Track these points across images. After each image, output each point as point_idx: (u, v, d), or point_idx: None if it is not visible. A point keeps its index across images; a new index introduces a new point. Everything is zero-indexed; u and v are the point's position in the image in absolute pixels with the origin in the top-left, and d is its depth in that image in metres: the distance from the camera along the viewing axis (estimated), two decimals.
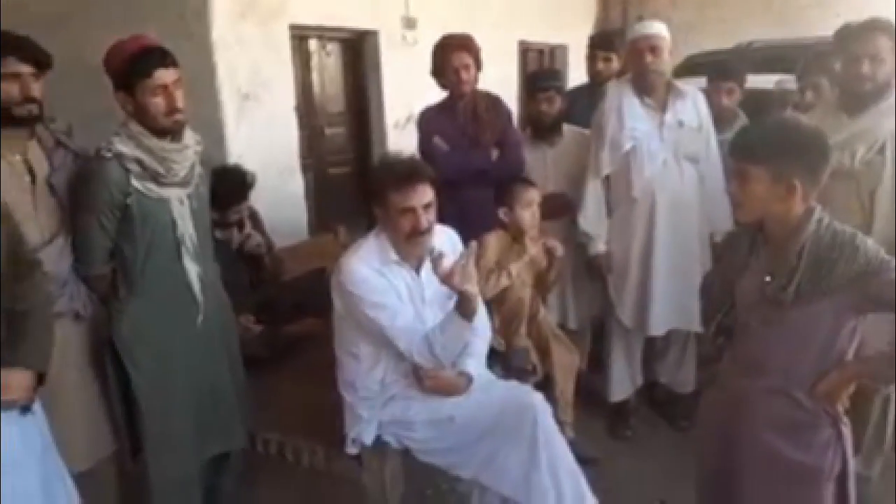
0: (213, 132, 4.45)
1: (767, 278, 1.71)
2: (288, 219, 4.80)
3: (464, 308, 2.12)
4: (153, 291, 2.19)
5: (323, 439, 2.55)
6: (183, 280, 2.22)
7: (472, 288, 2.10)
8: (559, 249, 2.83)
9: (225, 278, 2.49)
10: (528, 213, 2.77)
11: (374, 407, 2.33)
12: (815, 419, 1.72)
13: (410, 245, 2.23)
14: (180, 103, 2.13)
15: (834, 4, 8.90)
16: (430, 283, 2.33)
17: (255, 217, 3.29)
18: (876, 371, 1.71)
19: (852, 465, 1.78)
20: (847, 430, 1.75)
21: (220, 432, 2.39)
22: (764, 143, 1.68)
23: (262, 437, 2.68)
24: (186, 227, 2.21)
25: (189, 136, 2.24)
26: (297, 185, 5.13)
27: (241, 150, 4.53)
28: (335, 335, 2.35)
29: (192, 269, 2.23)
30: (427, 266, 2.31)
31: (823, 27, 3.37)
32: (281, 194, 4.79)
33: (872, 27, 2.46)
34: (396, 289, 2.25)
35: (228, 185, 2.95)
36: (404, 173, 2.19)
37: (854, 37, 2.50)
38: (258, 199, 3.36)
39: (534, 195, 2.80)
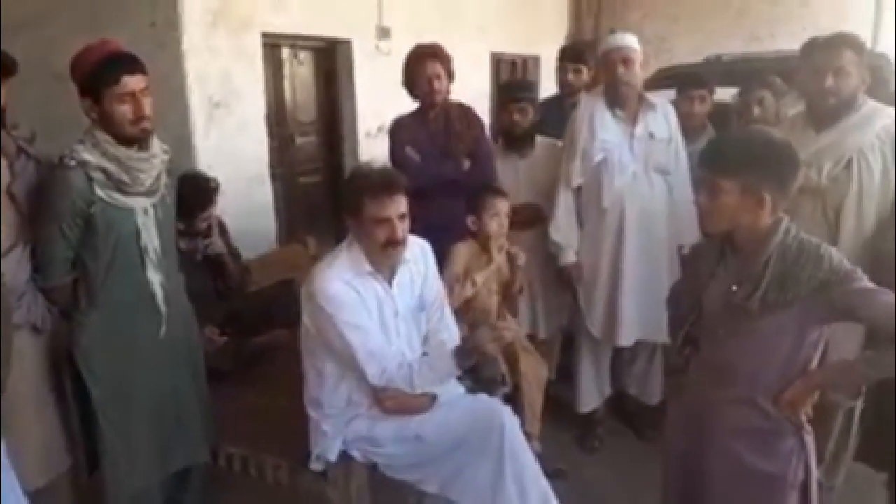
0: (183, 140, 4.38)
1: (734, 288, 1.73)
2: (257, 228, 4.75)
3: (465, 359, 2.16)
4: (115, 302, 2.15)
5: (288, 454, 2.50)
6: (146, 291, 2.18)
7: (495, 350, 2.16)
8: (521, 257, 2.84)
9: (190, 289, 2.45)
10: (496, 222, 2.78)
11: (339, 424, 2.30)
12: (780, 428, 1.73)
13: (386, 255, 2.21)
14: (148, 111, 2.10)
15: (801, 19, 9.10)
16: (403, 295, 2.32)
17: (221, 226, 3.24)
18: (839, 381, 1.73)
19: (815, 474, 1.80)
20: (810, 440, 1.77)
21: (182, 447, 2.34)
22: (734, 155, 1.69)
23: (225, 452, 2.63)
24: (151, 238, 2.17)
25: (156, 145, 2.21)
26: (266, 194, 5.08)
27: (210, 158, 4.47)
28: (302, 350, 2.32)
29: (156, 280, 2.19)
30: (399, 277, 2.30)
31: (792, 41, 3.43)
32: (250, 203, 4.74)
33: (838, 42, 2.48)
34: (366, 303, 2.22)
35: (192, 192, 2.91)
36: (380, 183, 2.17)
37: (819, 51, 2.52)
38: (227, 208, 3.32)
39: (501, 204, 2.80)
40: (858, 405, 2.55)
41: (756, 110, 3.34)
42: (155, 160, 2.18)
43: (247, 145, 4.88)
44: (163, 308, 2.22)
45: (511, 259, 2.84)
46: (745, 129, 2.96)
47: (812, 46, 2.56)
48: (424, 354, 2.37)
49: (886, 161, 2.45)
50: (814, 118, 2.57)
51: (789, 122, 2.85)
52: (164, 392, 2.26)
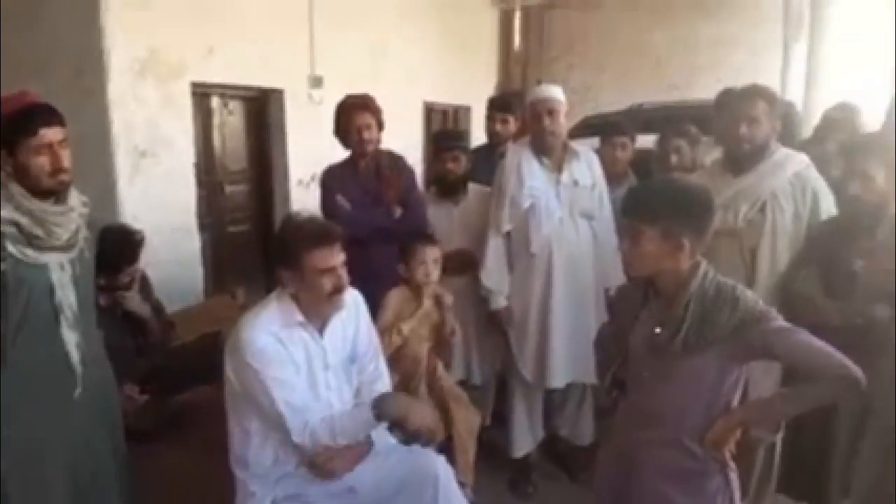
0: (107, 191, 4.28)
1: (658, 330, 1.77)
2: (184, 280, 4.64)
3: (386, 413, 2.13)
4: (25, 364, 2.01)
5: None
6: (60, 351, 2.06)
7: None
8: (447, 297, 2.86)
9: (110, 345, 2.34)
10: (422, 270, 2.81)
11: (268, 484, 2.21)
12: (705, 467, 1.76)
13: (330, 305, 2.18)
14: (66, 163, 2.03)
15: (716, 70, 9.60)
16: (333, 346, 2.27)
17: (144, 280, 3.14)
18: (759, 418, 1.78)
19: None
20: (734, 476, 1.80)
21: None
22: (654, 202, 1.76)
23: None
24: (66, 295, 2.06)
25: (74, 198, 2.13)
26: (193, 244, 4.97)
27: (134, 209, 4.36)
28: (227, 406, 2.24)
29: (71, 340, 2.08)
30: (331, 328, 2.27)
31: (709, 91, 3.62)
32: (177, 254, 4.63)
33: (752, 93, 2.62)
34: (293, 356, 2.16)
35: (116, 245, 2.81)
36: (322, 233, 2.15)
37: (734, 101, 2.66)
38: (152, 259, 3.23)
39: (429, 253, 2.83)
40: (779, 438, 2.63)
41: (673, 158, 3.48)
42: (72, 214, 2.10)
43: (174, 195, 4.79)
44: (78, 369, 2.10)
45: (439, 301, 2.85)
46: (664, 177, 3.09)
47: (727, 97, 2.70)
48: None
49: (797, 205, 2.58)
50: (730, 164, 2.70)
51: (708, 168, 2.99)
52: (78, 455, 2.13)
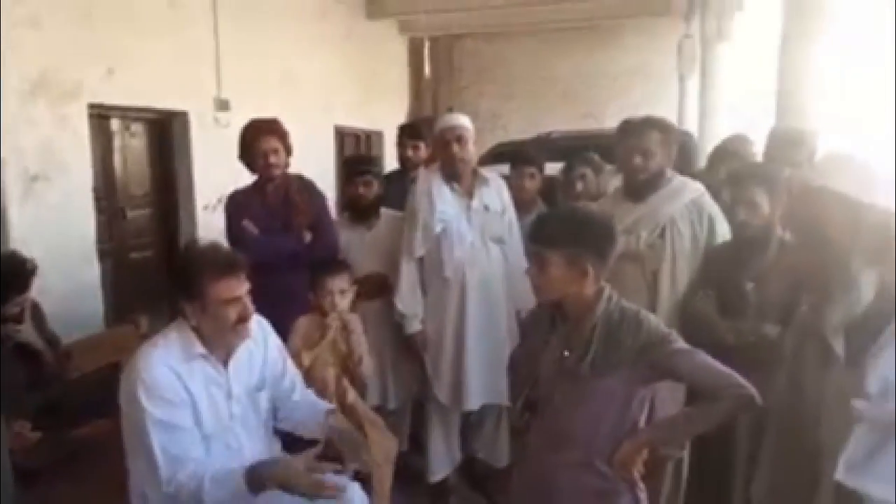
0: None
1: (566, 353, 1.81)
2: (82, 309, 4.40)
3: (255, 486, 1.91)
4: None
5: None
6: None
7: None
8: (355, 324, 2.85)
9: None
10: (329, 299, 2.80)
11: None
12: (616, 488, 1.80)
13: (235, 334, 2.09)
14: None
15: (618, 100, 10.04)
16: (239, 375, 2.20)
17: (35, 310, 2.96)
18: (664, 437, 1.85)
19: None
20: (643, 496, 1.85)
21: None
22: (558, 230, 1.81)
23: None
24: None
25: None
26: (92, 272, 4.73)
27: (25, 234, 4.12)
28: (125, 438, 2.12)
29: None
30: (236, 357, 2.19)
31: (613, 120, 3.77)
32: (74, 283, 4.39)
33: (645, 124, 2.74)
34: (191, 389, 2.05)
35: (5, 275, 2.65)
36: (227, 263, 2.06)
37: (629, 132, 2.77)
38: (47, 288, 3.05)
39: (336, 283, 2.82)
40: (686, 455, 2.73)
41: (579, 186, 3.60)
42: None
43: (71, 220, 4.56)
44: None
45: (346, 329, 2.82)
46: (569, 205, 3.19)
47: (624, 128, 2.82)
48: (276, 433, 2.29)
49: (695, 229, 2.71)
50: (629, 191, 2.81)
51: (611, 195, 3.10)
52: None
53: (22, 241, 4.00)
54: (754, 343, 2.31)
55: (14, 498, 2.19)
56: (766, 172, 2.60)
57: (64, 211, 4.49)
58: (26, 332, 2.80)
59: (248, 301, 2.09)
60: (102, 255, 4.89)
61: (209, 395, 2.10)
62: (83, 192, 4.69)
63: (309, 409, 2.35)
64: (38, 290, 2.94)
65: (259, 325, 2.31)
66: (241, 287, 2.07)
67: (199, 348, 2.08)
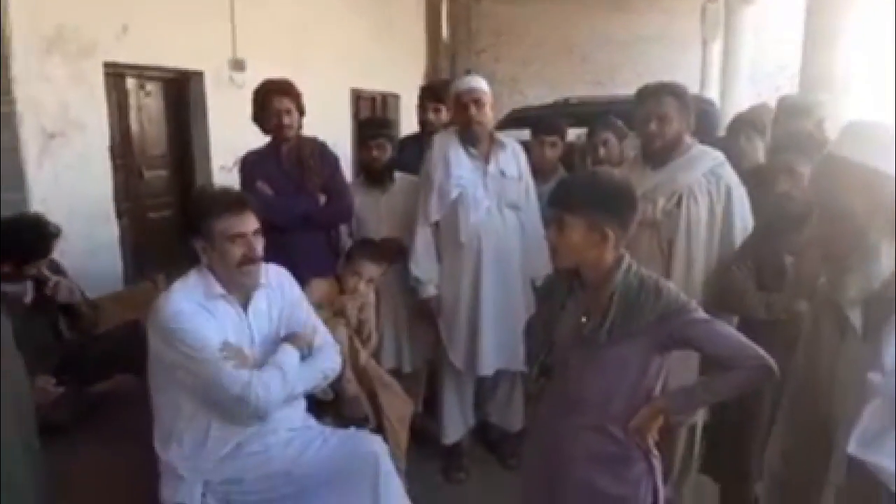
0: (13, 175, 4.04)
1: (583, 319, 1.81)
2: (101, 268, 4.43)
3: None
4: None
5: None
6: None
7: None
8: (368, 303, 2.88)
9: (19, 336, 2.22)
10: (354, 281, 2.84)
11: (198, 468, 2.15)
12: (629, 453, 1.82)
13: (242, 274, 2.13)
14: None
15: (636, 66, 9.87)
16: (259, 322, 2.23)
17: (55, 267, 2.99)
18: (680, 406, 1.85)
19: (662, 495, 1.90)
20: (657, 462, 1.86)
21: None
22: (580, 194, 1.79)
23: None
24: None
25: None
26: (111, 230, 4.76)
27: (45, 193, 4.14)
28: (151, 388, 2.16)
29: None
30: (255, 303, 2.22)
31: (630, 87, 3.72)
32: (92, 241, 4.42)
33: (662, 90, 2.70)
34: (221, 327, 2.12)
35: (27, 240, 2.67)
36: (231, 200, 2.13)
37: (646, 98, 2.73)
38: (65, 247, 3.07)
39: (370, 270, 2.88)
40: (700, 421, 2.75)
41: (601, 151, 3.56)
42: None
43: (88, 179, 4.57)
44: None
45: (360, 309, 2.86)
46: (591, 170, 3.16)
47: (641, 94, 2.77)
48: None
49: (712, 199, 2.68)
50: (647, 158, 2.78)
51: (630, 162, 3.07)
52: None
53: (41, 199, 4.03)
54: (785, 319, 2.29)
55: (40, 452, 2.24)
56: (810, 141, 2.53)
57: (81, 170, 4.50)
58: (63, 283, 2.84)
59: (254, 241, 2.12)
60: (120, 214, 4.92)
61: (234, 336, 2.15)
62: (100, 151, 4.69)
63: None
64: (58, 248, 2.97)
65: (283, 276, 2.35)
66: (245, 225, 2.11)
67: (219, 288, 2.13)
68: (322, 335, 2.38)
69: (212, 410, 2.13)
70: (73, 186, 4.39)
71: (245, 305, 2.21)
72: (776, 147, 2.56)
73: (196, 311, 2.07)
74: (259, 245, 2.14)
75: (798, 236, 2.39)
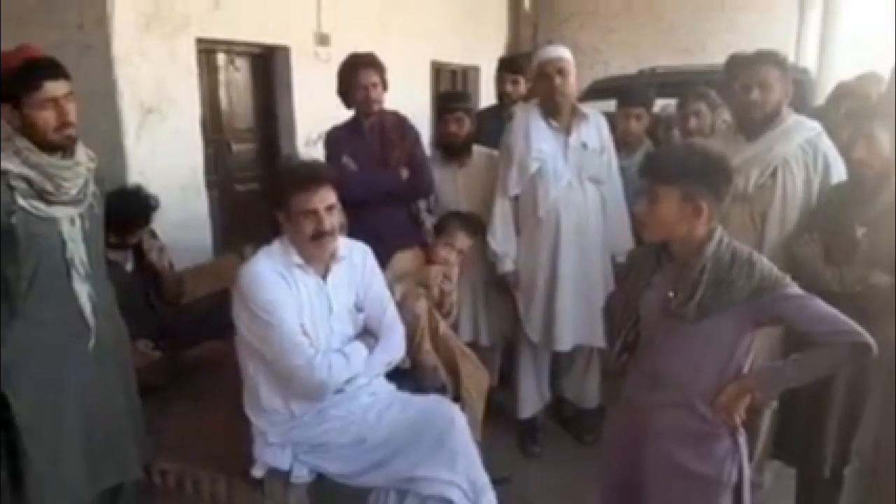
0: (113, 147, 4.24)
1: (671, 294, 1.77)
2: (192, 238, 4.62)
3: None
4: (39, 316, 2.05)
5: (224, 468, 2.44)
6: (73, 303, 2.09)
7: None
8: (453, 278, 2.89)
9: (120, 301, 2.36)
10: (445, 251, 2.85)
11: (285, 432, 2.26)
12: (715, 430, 1.78)
13: (315, 247, 2.20)
14: (72, 117, 2.03)
15: (729, 33, 9.44)
16: (337, 292, 2.30)
17: (153, 237, 3.15)
18: (771, 384, 1.79)
19: (748, 474, 1.85)
20: (743, 441, 1.82)
21: (112, 464, 2.25)
22: (675, 165, 1.75)
23: (159, 468, 2.55)
24: (77, 249, 2.08)
25: (81, 153, 2.13)
26: (201, 202, 4.95)
27: (142, 165, 4.34)
28: (239, 356, 2.27)
29: (83, 293, 2.10)
30: (334, 275, 2.28)
31: (722, 55, 3.56)
32: (184, 212, 4.60)
33: (762, 58, 2.57)
34: (299, 296, 2.19)
35: (130, 210, 2.83)
36: (305, 176, 2.18)
37: (745, 66, 2.61)
38: (160, 218, 3.22)
39: (464, 242, 2.89)
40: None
41: (692, 122, 3.44)
42: (80, 168, 2.10)
43: (181, 153, 4.75)
44: (91, 321, 2.13)
45: (443, 291, 2.88)
46: (684, 141, 3.06)
47: (738, 62, 2.65)
48: None
49: (808, 172, 2.56)
50: (742, 129, 2.66)
51: (722, 133, 2.95)
52: (93, 407, 2.17)
53: (140, 172, 4.22)
54: (860, 292, 2.19)
55: (140, 409, 2.39)
56: (890, 108, 2.38)
57: (175, 143, 4.68)
58: (154, 249, 2.99)
59: (325, 216, 2.17)
60: (209, 186, 5.10)
61: (311, 307, 2.22)
62: (192, 125, 4.86)
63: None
64: (154, 220, 3.12)
65: (362, 251, 2.40)
66: (317, 201, 2.16)
67: (297, 258, 2.21)
68: (392, 315, 2.44)
69: (285, 386, 2.22)
70: (168, 160, 4.57)
71: (324, 276, 2.27)
72: (856, 112, 2.41)
73: (275, 279, 2.16)
74: (331, 220, 2.19)
75: (872, 206, 2.26)
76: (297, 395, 2.22)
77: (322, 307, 2.25)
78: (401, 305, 2.76)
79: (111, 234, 2.52)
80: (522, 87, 3.83)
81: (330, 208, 2.19)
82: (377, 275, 2.47)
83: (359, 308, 2.37)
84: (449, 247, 2.84)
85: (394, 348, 2.40)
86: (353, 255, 2.36)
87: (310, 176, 2.18)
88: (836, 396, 2.31)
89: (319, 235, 2.17)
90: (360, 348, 2.27)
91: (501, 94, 3.92)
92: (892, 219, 2.17)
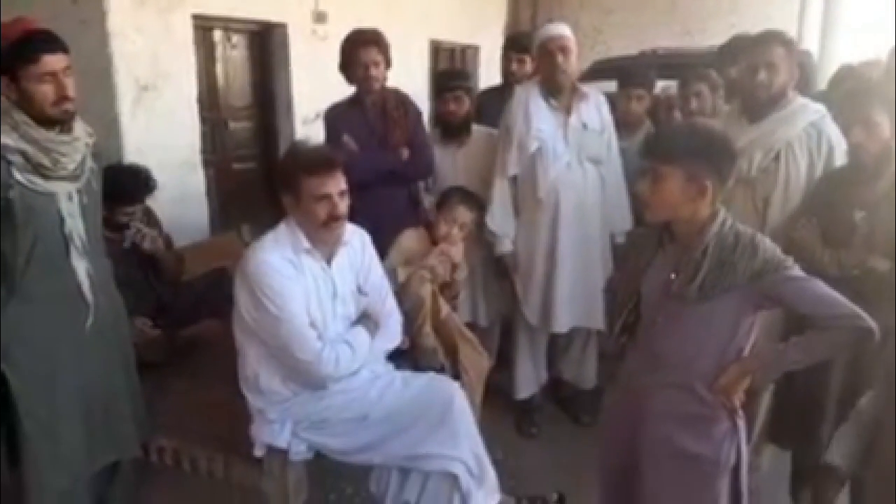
0: (109, 124, 4.22)
1: (673, 276, 1.76)
2: (188, 216, 4.62)
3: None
4: (37, 291, 2.03)
5: (221, 445, 2.45)
6: (71, 279, 2.07)
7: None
8: (457, 255, 2.86)
9: (117, 278, 2.35)
10: (449, 227, 2.83)
11: (284, 410, 2.26)
12: (714, 412, 1.78)
13: (326, 232, 2.19)
14: (70, 92, 2.00)
15: (730, 15, 9.38)
16: (341, 276, 2.30)
17: (149, 214, 3.13)
18: (771, 366, 1.79)
19: (746, 457, 1.86)
20: (742, 423, 1.82)
21: (110, 441, 2.24)
22: (679, 144, 1.73)
23: (156, 445, 2.55)
24: (75, 224, 2.06)
25: (79, 128, 2.11)
26: (198, 180, 4.94)
27: (138, 142, 4.32)
28: (236, 334, 2.26)
29: (81, 268, 2.09)
30: (338, 259, 2.28)
31: (722, 37, 3.52)
32: (181, 190, 4.60)
33: (769, 38, 2.55)
34: (304, 280, 2.19)
35: (125, 187, 2.80)
36: (320, 160, 2.17)
37: (751, 46, 2.58)
38: (157, 195, 3.20)
39: (464, 216, 2.86)
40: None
41: (693, 103, 3.41)
42: (78, 143, 2.08)
43: (177, 130, 4.73)
44: (89, 297, 2.12)
45: (453, 267, 2.86)
46: (686, 121, 3.03)
47: (743, 42, 2.63)
48: None
49: (812, 155, 2.54)
50: (746, 111, 2.64)
51: (725, 114, 2.93)
52: (91, 384, 2.16)
53: (136, 149, 4.20)
54: (858, 276, 2.19)
55: (139, 386, 2.39)
56: (889, 91, 2.36)
57: (171, 121, 4.65)
58: (147, 233, 2.96)
59: (338, 201, 2.16)
60: (206, 164, 5.08)
61: (317, 290, 2.22)
62: (188, 102, 4.84)
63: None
64: (150, 197, 3.09)
65: (360, 237, 2.40)
66: (331, 185, 2.15)
67: (305, 243, 2.20)
68: (391, 303, 2.46)
69: (284, 365, 2.21)
70: (164, 137, 4.55)
71: (329, 260, 2.27)
72: (853, 95, 2.39)
73: (283, 266, 2.15)
74: (343, 205, 2.19)
75: (871, 190, 2.25)
76: (297, 380, 2.22)
77: (327, 291, 2.25)
78: (405, 288, 2.76)
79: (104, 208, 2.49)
80: (528, 66, 3.78)
81: (342, 193, 2.19)
82: (376, 261, 2.48)
83: (362, 292, 2.37)
84: (450, 222, 2.82)
85: (392, 336, 2.43)
86: (354, 240, 2.36)
87: (325, 160, 2.17)
88: (832, 382, 2.31)
89: (332, 220, 2.16)
90: (363, 336, 2.27)
91: (507, 74, 3.87)
92: (891, 202, 2.16)
